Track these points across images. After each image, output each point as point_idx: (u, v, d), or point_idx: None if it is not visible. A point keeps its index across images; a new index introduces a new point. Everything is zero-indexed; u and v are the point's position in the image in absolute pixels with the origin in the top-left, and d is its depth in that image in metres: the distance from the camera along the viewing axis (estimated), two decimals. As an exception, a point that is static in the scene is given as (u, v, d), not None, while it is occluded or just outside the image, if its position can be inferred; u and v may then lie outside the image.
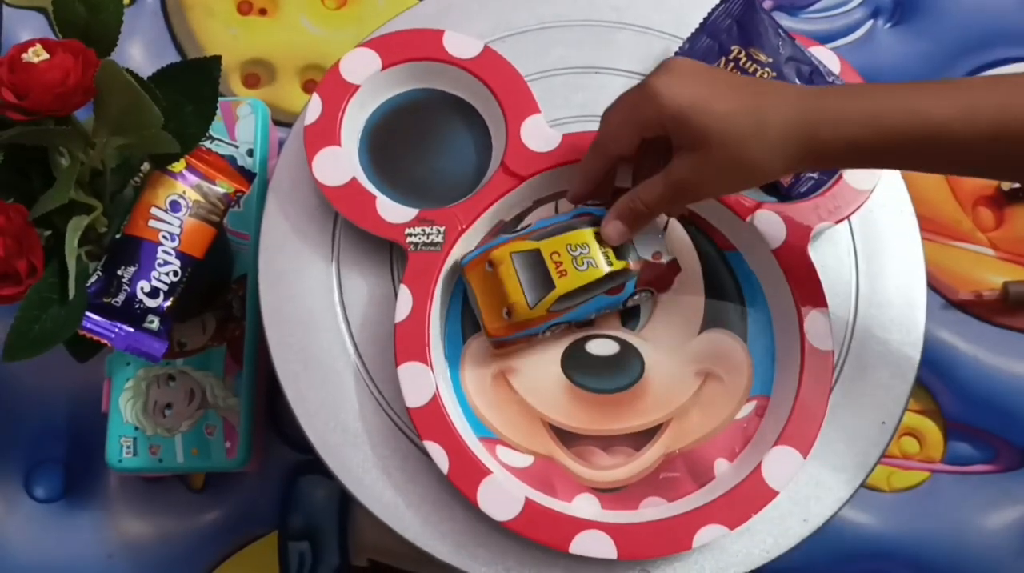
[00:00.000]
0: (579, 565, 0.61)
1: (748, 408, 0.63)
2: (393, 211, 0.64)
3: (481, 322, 0.62)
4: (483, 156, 0.67)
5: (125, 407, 0.83)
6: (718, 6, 0.67)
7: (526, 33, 0.72)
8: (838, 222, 0.65)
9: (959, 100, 0.50)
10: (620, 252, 0.61)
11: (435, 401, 0.60)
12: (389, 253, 0.67)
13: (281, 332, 0.66)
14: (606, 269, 0.61)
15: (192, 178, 0.66)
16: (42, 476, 0.93)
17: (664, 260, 0.62)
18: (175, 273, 0.65)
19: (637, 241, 0.62)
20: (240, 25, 1.06)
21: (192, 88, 0.63)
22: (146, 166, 0.67)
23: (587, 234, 0.61)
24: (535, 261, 0.61)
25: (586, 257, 0.61)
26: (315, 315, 0.66)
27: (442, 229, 0.64)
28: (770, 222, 0.64)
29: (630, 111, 0.56)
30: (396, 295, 0.63)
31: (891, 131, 0.51)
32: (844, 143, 0.52)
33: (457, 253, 0.64)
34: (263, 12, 1.07)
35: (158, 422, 0.82)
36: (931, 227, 0.99)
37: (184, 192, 0.66)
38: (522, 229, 0.64)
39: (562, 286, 0.60)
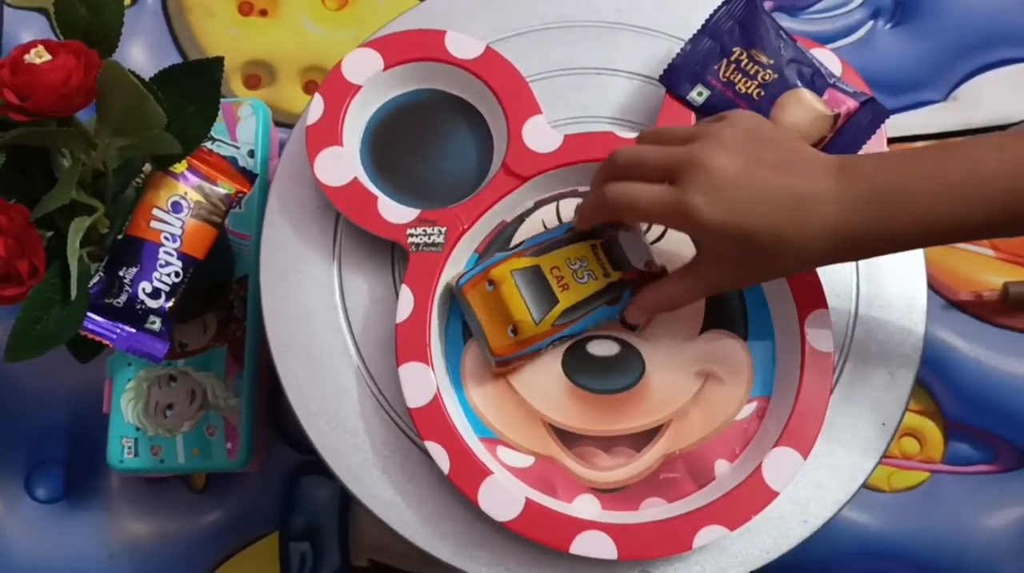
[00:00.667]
0: (579, 566, 0.61)
1: (748, 409, 0.63)
2: (395, 211, 0.65)
3: (484, 343, 0.62)
4: (485, 157, 0.67)
5: (126, 408, 0.83)
6: (720, 7, 0.67)
7: (528, 34, 0.72)
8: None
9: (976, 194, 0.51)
10: (616, 263, 0.62)
11: (436, 401, 0.60)
12: (390, 253, 0.67)
13: (282, 332, 0.66)
14: (606, 280, 0.61)
15: (193, 179, 0.67)
16: (43, 476, 0.93)
17: (654, 269, 0.63)
18: (176, 274, 0.65)
19: (629, 251, 0.63)
20: (241, 26, 1.06)
21: (194, 89, 0.63)
22: (148, 167, 0.67)
23: (585, 247, 0.62)
24: (536, 277, 0.61)
25: (585, 270, 0.61)
26: (316, 315, 0.66)
27: (443, 229, 0.64)
28: (771, 223, 0.64)
29: (658, 213, 0.55)
30: (397, 295, 0.63)
31: (921, 239, 0.53)
32: (882, 251, 0.55)
33: (451, 268, 0.64)
34: (264, 13, 1.07)
35: (159, 423, 0.82)
36: (931, 228, 0.99)
37: (185, 193, 0.66)
38: (515, 247, 0.64)
39: (565, 300, 0.61)
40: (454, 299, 0.65)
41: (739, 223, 0.52)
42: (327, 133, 0.66)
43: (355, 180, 0.65)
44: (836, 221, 0.52)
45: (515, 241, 0.66)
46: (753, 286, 0.65)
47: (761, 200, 0.52)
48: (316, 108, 0.66)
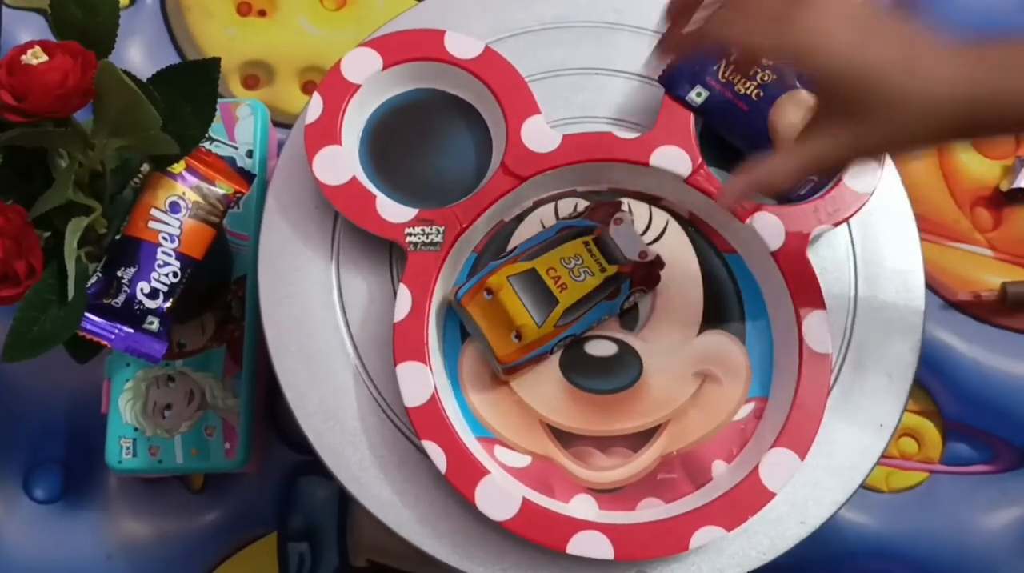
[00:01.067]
0: (576, 566, 0.61)
1: (746, 409, 0.63)
2: (393, 211, 0.64)
3: (490, 352, 0.62)
4: (483, 156, 0.67)
5: (125, 408, 0.83)
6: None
7: (526, 34, 0.72)
8: (837, 225, 0.65)
9: None
10: (610, 257, 0.62)
11: (433, 401, 0.60)
12: (388, 253, 0.67)
13: (280, 331, 0.66)
14: (602, 275, 0.61)
15: (191, 179, 0.66)
16: (41, 477, 0.93)
17: (650, 258, 0.64)
18: (174, 274, 0.65)
19: (622, 244, 0.63)
20: (239, 26, 1.06)
21: (191, 89, 0.63)
22: (146, 167, 0.67)
23: (578, 246, 0.62)
24: (533, 280, 0.61)
25: (581, 267, 0.61)
26: (314, 314, 0.66)
27: (442, 229, 0.64)
28: (769, 225, 0.64)
29: (770, 43, 0.50)
30: (395, 295, 0.63)
31: None
32: (998, 122, 0.50)
33: (450, 267, 0.64)
34: (262, 13, 1.07)
35: (158, 423, 0.82)
36: (929, 228, 1.00)
37: (183, 193, 0.66)
38: (509, 253, 0.64)
39: (565, 299, 0.61)
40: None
41: (863, 56, 0.48)
42: (326, 132, 0.66)
43: (353, 179, 0.65)
44: (955, 76, 0.48)
45: (510, 245, 0.66)
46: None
47: (882, 39, 0.49)
48: (315, 107, 0.66)
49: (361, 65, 0.67)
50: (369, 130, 0.68)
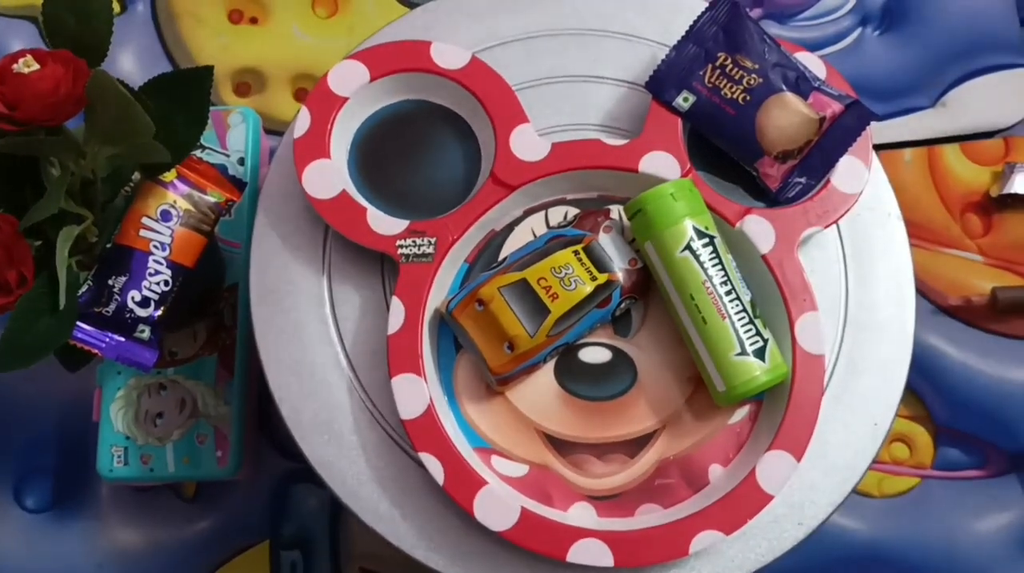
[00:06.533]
0: (576, 574, 0.61)
1: (741, 413, 0.64)
2: (384, 223, 0.64)
3: (483, 363, 0.62)
4: (473, 166, 0.67)
5: (116, 416, 0.82)
6: (704, 13, 0.68)
7: (513, 43, 0.72)
8: (827, 226, 0.65)
9: None
10: (600, 266, 0.62)
11: (429, 413, 0.60)
12: (380, 265, 0.67)
13: (273, 346, 0.66)
14: (593, 284, 0.61)
15: (183, 187, 0.66)
16: (32, 486, 0.92)
17: (639, 265, 0.64)
18: (166, 282, 0.65)
19: (611, 252, 0.63)
20: (231, 34, 1.06)
21: (183, 97, 0.63)
22: (137, 176, 0.66)
23: (568, 255, 0.62)
24: (524, 291, 0.61)
25: (572, 277, 0.61)
26: (307, 328, 0.66)
27: (433, 240, 0.64)
28: (759, 227, 0.64)
29: None
30: (388, 307, 0.63)
31: None
32: None
33: (442, 278, 0.64)
34: (254, 21, 1.07)
35: (149, 431, 0.82)
36: (920, 233, 1.00)
37: (175, 201, 0.66)
38: (499, 263, 0.64)
39: (556, 309, 0.61)
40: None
41: None
42: (314, 146, 0.66)
43: (343, 192, 0.65)
44: None
45: (501, 255, 0.66)
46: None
47: None
48: (303, 121, 0.66)
49: (348, 78, 0.67)
50: (358, 143, 0.68)
